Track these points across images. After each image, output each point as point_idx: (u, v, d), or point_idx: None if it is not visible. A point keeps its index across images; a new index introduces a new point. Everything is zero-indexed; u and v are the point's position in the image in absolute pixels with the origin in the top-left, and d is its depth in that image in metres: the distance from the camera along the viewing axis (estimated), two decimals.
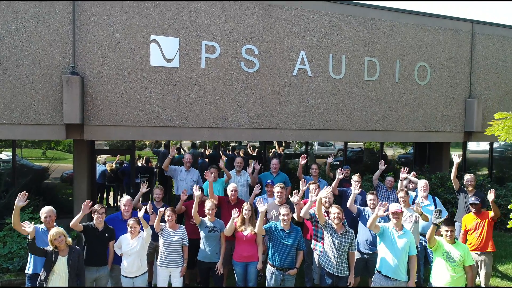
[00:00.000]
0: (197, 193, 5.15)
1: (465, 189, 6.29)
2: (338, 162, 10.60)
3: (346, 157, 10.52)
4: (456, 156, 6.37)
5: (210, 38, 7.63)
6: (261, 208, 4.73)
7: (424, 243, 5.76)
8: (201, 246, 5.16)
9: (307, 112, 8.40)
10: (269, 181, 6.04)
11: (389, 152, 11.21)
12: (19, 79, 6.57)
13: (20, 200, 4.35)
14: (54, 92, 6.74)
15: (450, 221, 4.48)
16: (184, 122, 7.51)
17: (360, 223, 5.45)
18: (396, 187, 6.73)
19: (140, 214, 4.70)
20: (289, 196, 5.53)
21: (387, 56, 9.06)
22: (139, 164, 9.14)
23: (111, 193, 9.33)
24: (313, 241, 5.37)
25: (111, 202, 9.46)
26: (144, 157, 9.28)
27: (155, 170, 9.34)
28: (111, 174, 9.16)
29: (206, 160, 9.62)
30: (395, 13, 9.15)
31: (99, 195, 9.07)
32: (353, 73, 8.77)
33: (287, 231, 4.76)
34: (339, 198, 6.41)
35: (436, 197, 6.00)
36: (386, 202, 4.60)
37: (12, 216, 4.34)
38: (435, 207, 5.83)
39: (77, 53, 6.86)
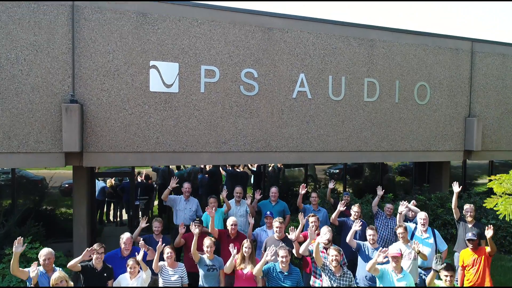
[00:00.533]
0: (195, 231, 5.14)
1: (465, 218, 6.29)
2: (337, 170, 10.62)
3: (346, 165, 10.50)
4: (456, 185, 6.39)
5: (210, 62, 7.62)
6: (267, 257, 4.73)
7: (424, 276, 5.76)
8: (200, 283, 5.17)
9: (307, 134, 8.39)
10: (268, 213, 6.05)
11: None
12: (18, 108, 6.56)
13: (18, 247, 4.34)
14: (53, 119, 6.73)
15: (450, 266, 4.48)
16: (183, 147, 7.51)
17: (359, 258, 5.44)
18: (395, 215, 6.72)
19: (139, 257, 4.69)
20: (287, 233, 5.53)
21: (386, 76, 9.05)
22: (139, 180, 9.16)
23: (111, 208, 9.36)
24: (312, 277, 5.36)
25: (111, 218, 9.51)
26: (144, 174, 9.30)
27: (155, 186, 9.37)
28: (110, 190, 9.19)
29: (206, 176, 9.63)
30: (395, 33, 9.14)
31: (99, 211, 9.10)
32: (352, 94, 8.76)
33: (285, 273, 4.75)
34: (339, 228, 6.42)
35: (435, 230, 6.00)
36: (386, 249, 4.62)
37: (11, 262, 4.33)
38: (435, 240, 5.83)
39: (77, 80, 6.85)
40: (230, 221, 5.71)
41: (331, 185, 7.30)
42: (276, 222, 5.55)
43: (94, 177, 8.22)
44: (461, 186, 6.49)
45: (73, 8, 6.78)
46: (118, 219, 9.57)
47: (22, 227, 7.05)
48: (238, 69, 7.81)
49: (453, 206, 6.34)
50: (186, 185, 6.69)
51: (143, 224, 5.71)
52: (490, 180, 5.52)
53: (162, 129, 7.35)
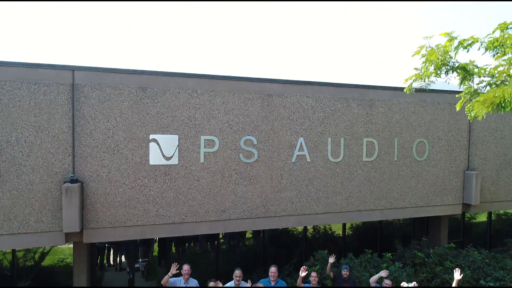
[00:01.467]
0: None
1: None
2: None
3: None
4: (457, 273, 6.45)
5: (209, 132, 7.65)
6: None
7: None
8: None
9: (306, 197, 8.43)
10: None
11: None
12: (18, 189, 6.59)
13: None
14: (54, 198, 6.76)
15: None
16: (183, 218, 7.54)
17: None
18: None
19: None
20: None
21: (385, 135, 9.09)
22: None
23: (111, 253, 9.40)
24: None
25: (111, 262, 9.54)
26: None
27: None
28: None
29: None
30: (393, 91, 9.18)
31: (99, 257, 9.14)
32: (351, 155, 8.80)
33: None
34: None
35: None
36: None
37: None
38: None
39: (77, 158, 6.89)
40: None
41: (331, 260, 7.32)
42: None
43: (94, 245, 8.25)
44: (461, 276, 6.55)
45: (73, 87, 6.82)
46: (118, 263, 9.63)
47: None
48: (237, 137, 7.85)
49: None
50: (186, 267, 6.71)
51: None
52: None
53: (162, 201, 7.38)
